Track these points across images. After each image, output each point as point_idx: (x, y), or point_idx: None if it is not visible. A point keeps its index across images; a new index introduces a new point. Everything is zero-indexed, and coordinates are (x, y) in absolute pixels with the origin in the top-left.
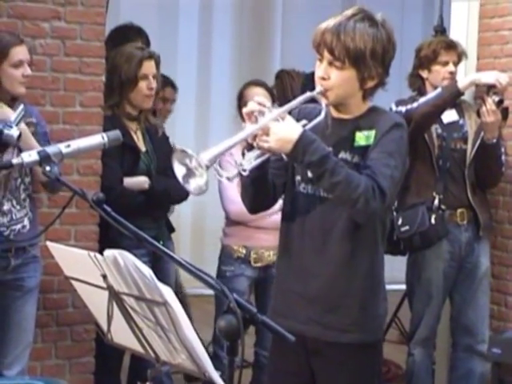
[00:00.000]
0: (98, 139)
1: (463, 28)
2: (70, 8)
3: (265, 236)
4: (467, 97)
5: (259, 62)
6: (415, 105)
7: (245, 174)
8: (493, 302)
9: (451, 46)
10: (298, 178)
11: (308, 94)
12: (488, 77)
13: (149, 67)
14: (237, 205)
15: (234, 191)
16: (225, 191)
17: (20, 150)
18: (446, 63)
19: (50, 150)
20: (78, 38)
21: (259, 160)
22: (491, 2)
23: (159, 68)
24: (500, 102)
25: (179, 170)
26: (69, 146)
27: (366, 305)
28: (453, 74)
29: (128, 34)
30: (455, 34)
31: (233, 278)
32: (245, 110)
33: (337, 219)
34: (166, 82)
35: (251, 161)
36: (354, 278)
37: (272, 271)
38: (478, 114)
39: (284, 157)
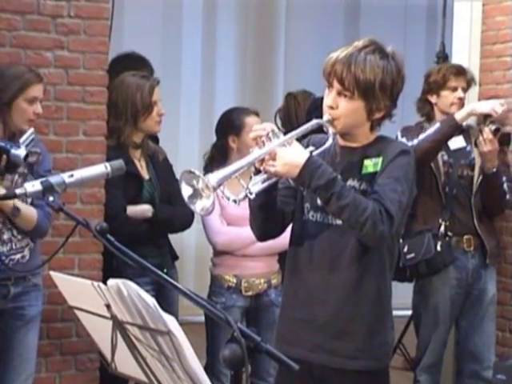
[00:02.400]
0: (101, 169)
1: (465, 54)
2: (73, 37)
3: (253, 264)
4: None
5: (263, 74)
6: (415, 142)
7: (251, 196)
8: (497, 328)
9: (460, 71)
10: (307, 205)
11: (315, 122)
12: (484, 106)
13: (158, 93)
14: (221, 235)
15: (216, 222)
16: (207, 222)
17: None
18: (454, 89)
19: (53, 179)
20: (81, 67)
21: (266, 184)
22: (493, 29)
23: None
24: (497, 131)
25: (186, 191)
26: (72, 175)
27: (373, 332)
28: (461, 100)
29: (131, 63)
30: (457, 60)
31: (224, 309)
32: (252, 135)
33: (344, 247)
34: None
35: (258, 184)
36: (361, 304)
37: (263, 300)
38: (476, 144)
39: (291, 182)
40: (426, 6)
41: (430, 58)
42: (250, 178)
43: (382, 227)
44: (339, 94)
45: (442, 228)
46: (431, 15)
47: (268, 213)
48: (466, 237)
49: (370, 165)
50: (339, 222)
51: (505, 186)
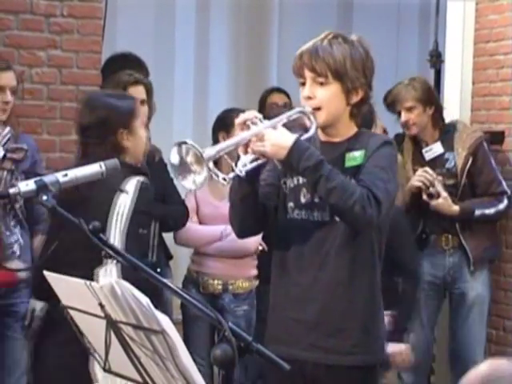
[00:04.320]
0: (95, 168)
1: (458, 53)
2: (66, 37)
3: (211, 263)
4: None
5: (256, 74)
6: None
7: (241, 174)
8: (491, 327)
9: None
10: (291, 204)
11: (299, 109)
12: (414, 181)
13: (135, 92)
14: (181, 230)
15: None
16: None
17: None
18: (399, 113)
19: (48, 179)
20: (74, 67)
21: (254, 164)
22: (486, 27)
23: (151, 95)
24: (430, 196)
25: (174, 159)
26: (66, 174)
27: (367, 327)
28: (408, 123)
29: (126, 64)
30: (450, 58)
31: None
32: (237, 120)
33: (333, 243)
34: None
35: (246, 164)
36: (355, 300)
37: (216, 302)
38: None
39: (277, 163)
40: (419, 4)
41: (423, 57)
42: (238, 158)
43: (370, 211)
44: (313, 82)
45: (420, 226)
46: (424, 13)
47: (249, 206)
48: (444, 235)
49: (353, 158)
50: (326, 218)
51: (479, 212)
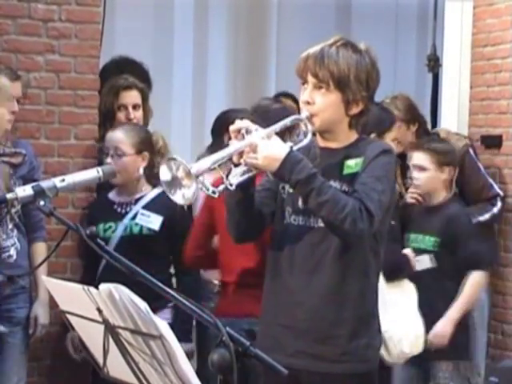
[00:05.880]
0: (92, 173)
1: (456, 57)
2: (64, 41)
3: None
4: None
5: (255, 78)
6: None
7: (231, 188)
8: (489, 331)
9: None
10: (289, 209)
11: (294, 117)
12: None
13: (128, 97)
14: None
15: None
16: None
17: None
18: None
19: (45, 184)
20: (72, 71)
21: (246, 176)
22: (484, 31)
23: (147, 99)
24: None
25: (164, 176)
26: (63, 180)
27: (357, 334)
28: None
29: (126, 67)
30: (448, 62)
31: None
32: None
33: (326, 250)
34: None
35: (237, 176)
36: (343, 307)
37: None
38: None
39: (270, 176)
40: (417, 8)
41: (422, 61)
42: (230, 170)
43: (361, 225)
44: (315, 88)
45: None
46: (422, 17)
47: (245, 211)
48: None
49: (351, 165)
50: (321, 224)
51: (475, 221)
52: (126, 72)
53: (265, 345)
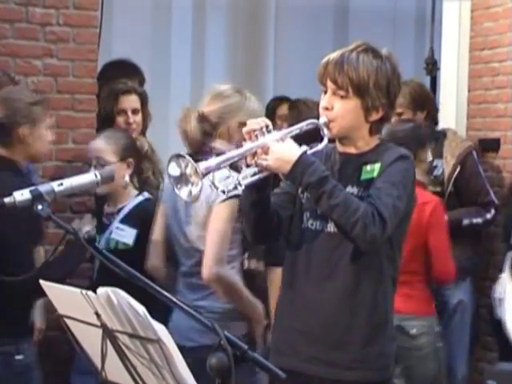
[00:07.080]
0: (91, 177)
1: (454, 60)
2: (62, 45)
3: None
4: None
5: (253, 80)
6: None
7: (241, 188)
8: (487, 334)
9: None
10: (307, 213)
11: (310, 121)
12: None
13: (127, 101)
14: None
15: None
16: None
17: None
18: None
19: (43, 188)
20: (70, 75)
21: (256, 177)
22: (481, 35)
23: (146, 104)
24: None
25: (173, 171)
26: (61, 184)
27: (370, 342)
28: None
29: (122, 70)
30: (446, 66)
31: None
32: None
33: (342, 255)
34: None
35: (248, 177)
36: (357, 314)
37: None
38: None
39: (282, 177)
40: (415, 11)
41: (419, 64)
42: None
43: (373, 230)
44: (334, 94)
45: None
46: (420, 21)
47: (261, 212)
48: None
49: (368, 171)
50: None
51: (467, 221)
52: (122, 74)
53: (281, 350)
